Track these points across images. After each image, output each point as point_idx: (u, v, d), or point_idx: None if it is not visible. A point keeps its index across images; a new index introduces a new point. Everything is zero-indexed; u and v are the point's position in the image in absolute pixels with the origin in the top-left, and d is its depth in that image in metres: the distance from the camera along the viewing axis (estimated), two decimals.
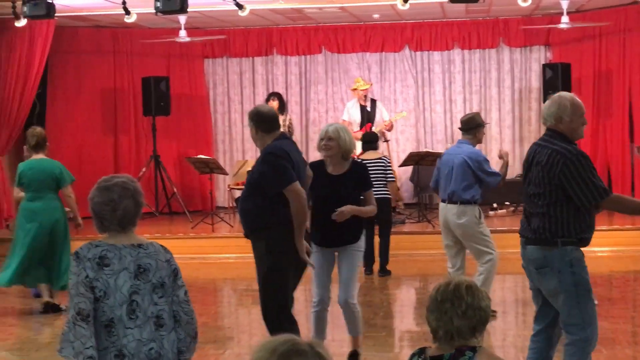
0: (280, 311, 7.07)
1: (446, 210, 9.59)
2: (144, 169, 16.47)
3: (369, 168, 11.96)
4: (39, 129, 10.84)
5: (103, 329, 4.34)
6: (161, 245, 4.60)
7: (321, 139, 7.75)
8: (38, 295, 10.99)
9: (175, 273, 4.54)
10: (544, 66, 16.41)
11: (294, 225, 6.91)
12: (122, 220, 4.46)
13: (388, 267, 12.31)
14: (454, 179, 9.45)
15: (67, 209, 10.71)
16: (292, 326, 6.99)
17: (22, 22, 13.25)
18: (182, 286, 4.55)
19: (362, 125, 15.32)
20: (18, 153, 11.77)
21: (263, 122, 7.21)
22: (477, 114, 9.90)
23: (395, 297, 11.75)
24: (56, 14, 12.67)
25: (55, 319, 10.32)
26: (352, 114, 15.56)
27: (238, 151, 17.90)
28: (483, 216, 9.61)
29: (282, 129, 14.31)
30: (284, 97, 16.73)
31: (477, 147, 9.78)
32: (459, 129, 9.80)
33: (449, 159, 9.59)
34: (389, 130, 15.91)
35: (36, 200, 10.43)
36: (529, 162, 6.35)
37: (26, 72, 14.65)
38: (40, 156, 10.55)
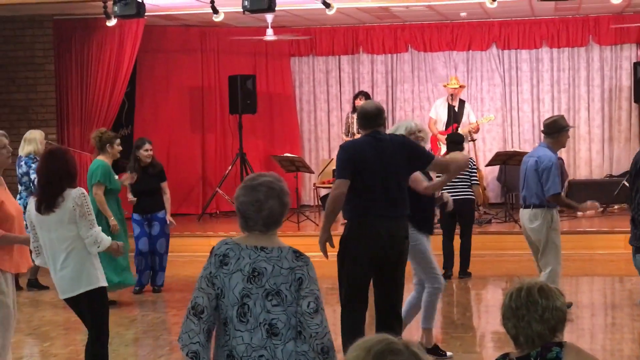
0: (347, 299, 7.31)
1: (522, 214, 9.51)
2: (230, 167, 16.58)
3: None
4: (97, 132, 11.00)
5: (222, 326, 4.35)
6: (295, 252, 4.40)
7: (411, 133, 7.80)
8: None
9: (299, 282, 4.30)
10: (635, 64, 16.13)
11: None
12: (267, 221, 4.37)
13: (469, 270, 12.14)
14: (526, 183, 9.33)
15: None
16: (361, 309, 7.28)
17: (112, 22, 13.43)
18: (305, 297, 4.29)
19: (448, 125, 15.23)
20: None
21: (361, 118, 7.39)
22: (561, 117, 9.66)
23: (481, 297, 11.65)
24: (146, 14, 12.82)
25: (144, 315, 10.45)
26: (439, 113, 15.47)
27: (324, 150, 17.92)
28: (558, 222, 9.36)
29: None
30: (370, 95, 16.69)
31: (561, 150, 9.57)
32: (542, 131, 9.67)
33: (525, 161, 9.47)
34: (475, 132, 15.80)
35: None
36: (637, 169, 6.17)
37: (116, 70, 14.85)
38: (100, 157, 10.78)
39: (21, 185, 11.81)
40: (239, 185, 4.47)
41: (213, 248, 4.42)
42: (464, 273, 12.08)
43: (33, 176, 11.13)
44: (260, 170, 17.19)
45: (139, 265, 11.46)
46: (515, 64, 17.31)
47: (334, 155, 17.08)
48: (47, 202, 6.56)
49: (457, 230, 12.12)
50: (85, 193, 6.67)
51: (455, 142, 12.42)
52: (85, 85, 14.96)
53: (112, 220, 10.54)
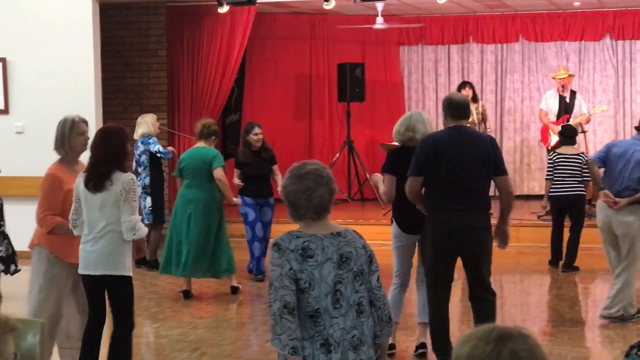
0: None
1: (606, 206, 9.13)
2: (337, 155, 16.63)
3: (564, 163, 11.81)
4: (207, 120, 11.11)
5: (308, 319, 4.35)
6: (355, 231, 4.57)
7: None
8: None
9: (370, 259, 4.50)
10: None
11: None
12: (318, 208, 4.42)
13: (576, 264, 11.96)
14: (629, 173, 9.05)
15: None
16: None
17: (224, 9, 13.55)
18: (375, 271, 4.52)
19: (559, 116, 15.00)
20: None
21: (448, 107, 7.35)
22: None
23: (589, 291, 11.47)
24: (257, 1, 12.91)
25: (251, 299, 10.57)
26: (549, 104, 15.24)
27: None
28: None
29: (473, 117, 14.24)
30: (479, 85, 16.57)
31: None
32: (635, 128, 9.41)
33: (627, 150, 9.08)
34: (587, 123, 15.54)
35: (192, 188, 10.61)
36: None
37: (226, 58, 14.99)
38: (200, 144, 10.79)
39: (140, 166, 12.03)
40: (286, 175, 4.51)
41: (280, 245, 4.38)
42: (569, 267, 11.89)
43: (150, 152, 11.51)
44: (367, 158, 17.21)
45: (257, 251, 11.43)
46: (630, 55, 16.94)
47: None
48: (96, 181, 6.59)
49: (567, 223, 11.98)
50: (135, 179, 6.76)
51: (568, 136, 12.22)
52: (196, 72, 15.14)
53: (236, 200, 10.81)
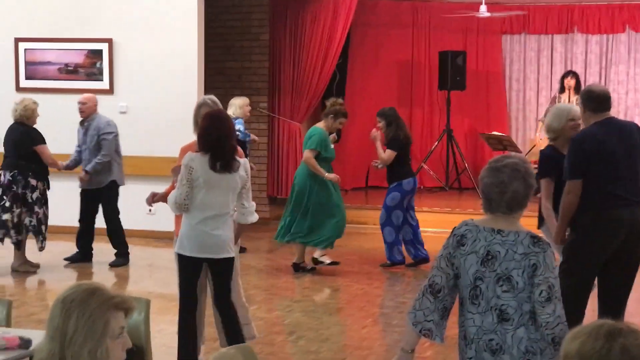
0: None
1: None
2: (436, 143, 16.56)
3: None
4: (333, 100, 11.25)
5: (460, 306, 4.40)
6: (533, 237, 4.28)
7: (571, 119, 7.46)
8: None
9: (533, 269, 4.21)
10: None
11: None
12: (510, 203, 4.31)
13: None
14: None
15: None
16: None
17: None
18: (538, 285, 4.20)
19: None
20: (315, 122, 12.15)
21: (590, 100, 6.98)
22: None
23: None
24: None
25: (349, 286, 10.59)
26: None
27: (531, 129, 17.60)
28: None
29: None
30: (582, 76, 16.31)
31: None
32: None
33: None
34: None
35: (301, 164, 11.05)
36: None
37: (328, 43, 14.99)
38: (318, 124, 11.01)
39: None
40: (484, 167, 4.44)
41: (454, 228, 4.43)
42: None
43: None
44: (466, 147, 17.10)
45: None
46: None
47: (542, 135, 16.97)
48: (224, 161, 6.60)
49: None
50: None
51: None
52: (297, 56, 15.17)
53: (328, 175, 10.75)
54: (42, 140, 10.67)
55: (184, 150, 7.11)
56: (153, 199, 7.27)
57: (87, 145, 11.17)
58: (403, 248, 11.34)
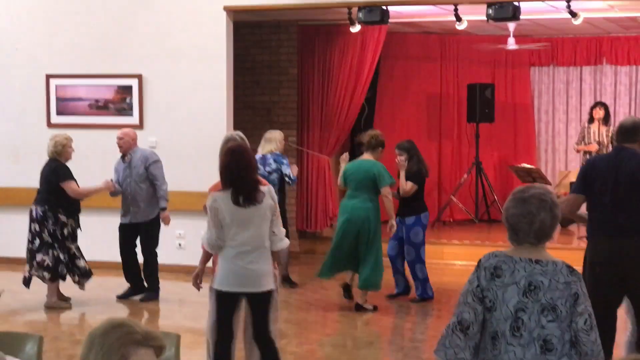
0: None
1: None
2: (465, 176, 16.53)
3: None
4: (374, 132, 11.17)
5: (489, 340, 4.32)
6: (567, 266, 4.33)
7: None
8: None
9: (575, 297, 4.25)
10: None
11: None
12: (538, 233, 4.32)
13: None
14: None
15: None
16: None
17: (356, 28, 13.60)
18: (581, 314, 4.24)
19: None
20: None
21: (619, 133, 7.25)
22: None
23: None
24: (389, 20, 12.91)
25: (379, 319, 10.54)
26: None
27: (561, 161, 17.56)
28: None
29: (603, 139, 13.89)
30: (612, 107, 16.25)
31: None
32: None
33: None
34: None
35: (352, 198, 10.73)
36: None
37: (357, 76, 15.02)
38: (366, 157, 10.86)
39: (269, 182, 12.11)
40: (509, 197, 4.43)
41: (480, 261, 4.39)
42: None
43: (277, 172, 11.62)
44: (495, 179, 17.06)
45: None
46: None
47: (571, 167, 16.92)
48: (248, 194, 6.64)
49: None
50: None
51: None
52: (326, 89, 15.22)
53: (392, 222, 10.77)
54: (69, 176, 10.72)
55: (212, 190, 7.15)
56: (196, 280, 7.19)
57: (132, 178, 11.22)
58: (391, 276, 11.39)
